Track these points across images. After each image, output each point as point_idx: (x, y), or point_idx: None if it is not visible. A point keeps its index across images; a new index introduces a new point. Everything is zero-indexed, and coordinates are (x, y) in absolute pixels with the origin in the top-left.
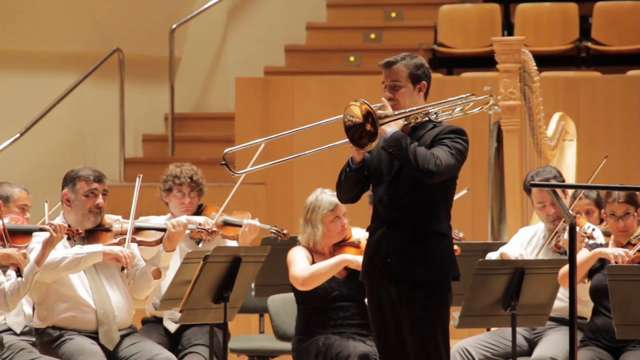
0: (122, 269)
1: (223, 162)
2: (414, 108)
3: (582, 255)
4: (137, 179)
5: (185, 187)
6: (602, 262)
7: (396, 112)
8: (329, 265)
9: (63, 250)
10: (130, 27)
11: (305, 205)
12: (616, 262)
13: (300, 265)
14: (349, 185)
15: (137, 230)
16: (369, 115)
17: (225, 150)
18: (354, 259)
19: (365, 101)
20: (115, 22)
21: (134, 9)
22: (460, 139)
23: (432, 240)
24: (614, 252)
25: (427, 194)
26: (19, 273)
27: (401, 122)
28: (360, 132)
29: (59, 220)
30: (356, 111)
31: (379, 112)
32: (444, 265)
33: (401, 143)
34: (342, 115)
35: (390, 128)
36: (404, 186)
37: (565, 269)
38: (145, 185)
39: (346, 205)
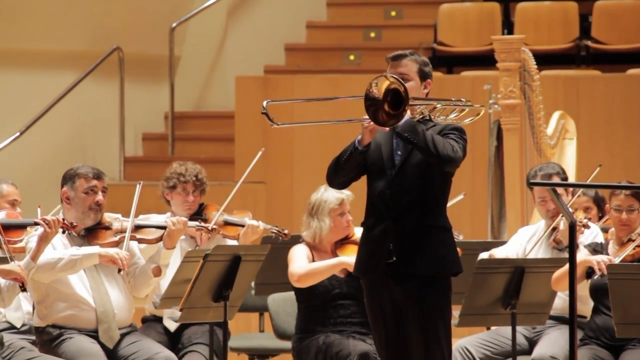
0: (119, 270)
1: (264, 111)
2: (430, 98)
3: (591, 258)
4: (138, 185)
5: (189, 185)
6: None
7: (422, 98)
8: (327, 266)
9: (61, 250)
10: (130, 26)
11: (309, 202)
12: (600, 269)
13: (299, 262)
14: (349, 167)
15: (137, 228)
16: (389, 93)
17: (267, 101)
18: (353, 261)
19: (400, 80)
20: (115, 21)
21: (134, 8)
22: (462, 137)
23: (437, 234)
24: (596, 259)
25: (430, 188)
26: (23, 287)
27: (408, 113)
28: (376, 108)
29: (59, 217)
30: (383, 85)
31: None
32: (450, 260)
33: (417, 129)
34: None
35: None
36: (409, 180)
37: (558, 273)
38: (145, 184)
39: (348, 202)
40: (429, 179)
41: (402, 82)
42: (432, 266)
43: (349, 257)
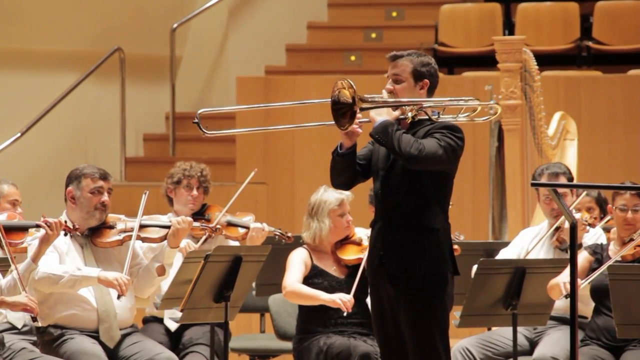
0: (118, 297)
1: (195, 121)
2: (402, 99)
3: (559, 278)
4: (143, 195)
5: (194, 180)
6: (600, 262)
7: (380, 99)
8: (308, 294)
9: (64, 265)
10: (131, 27)
11: (309, 203)
12: (565, 289)
13: (293, 275)
14: (338, 170)
15: (142, 227)
16: (355, 98)
17: (200, 110)
18: (329, 298)
19: (352, 84)
20: (116, 22)
21: (135, 9)
22: (452, 134)
23: (423, 235)
24: (562, 279)
25: (419, 188)
26: (34, 318)
27: (395, 114)
28: (345, 111)
29: (62, 219)
30: (345, 93)
31: (366, 95)
32: (437, 260)
33: (387, 129)
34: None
35: (381, 117)
36: (396, 180)
37: (552, 282)
38: (146, 185)
39: (348, 203)
40: (418, 180)
41: (353, 86)
42: (419, 266)
43: (328, 295)
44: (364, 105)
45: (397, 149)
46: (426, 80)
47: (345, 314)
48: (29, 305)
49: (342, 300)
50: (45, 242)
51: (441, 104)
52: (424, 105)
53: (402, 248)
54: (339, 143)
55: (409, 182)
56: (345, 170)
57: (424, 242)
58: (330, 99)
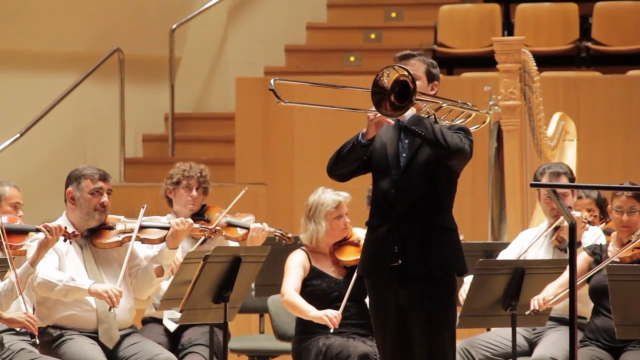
0: (110, 308)
1: (271, 88)
2: (437, 97)
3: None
4: (142, 209)
5: (193, 181)
6: (599, 263)
7: (429, 94)
8: (300, 308)
9: (62, 272)
10: (131, 27)
11: (307, 204)
12: (534, 306)
13: (291, 283)
14: (350, 159)
15: (141, 228)
16: (397, 85)
17: (274, 79)
18: (317, 315)
19: (411, 73)
20: (116, 22)
21: (134, 9)
22: (468, 137)
23: (443, 234)
24: (539, 295)
25: (436, 188)
26: (33, 337)
27: (414, 111)
28: (381, 97)
29: (61, 220)
30: (393, 76)
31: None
32: (457, 260)
33: (424, 122)
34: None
35: (408, 111)
36: (414, 180)
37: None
38: (145, 186)
39: (346, 204)
40: (435, 179)
41: (413, 75)
42: (439, 267)
43: (319, 312)
44: (420, 97)
45: (441, 140)
46: (436, 82)
47: (332, 330)
48: (26, 325)
49: (329, 316)
50: (44, 246)
51: (457, 106)
52: (442, 106)
53: (425, 248)
54: (360, 132)
55: (426, 182)
56: (357, 160)
57: (446, 242)
58: (393, 84)
